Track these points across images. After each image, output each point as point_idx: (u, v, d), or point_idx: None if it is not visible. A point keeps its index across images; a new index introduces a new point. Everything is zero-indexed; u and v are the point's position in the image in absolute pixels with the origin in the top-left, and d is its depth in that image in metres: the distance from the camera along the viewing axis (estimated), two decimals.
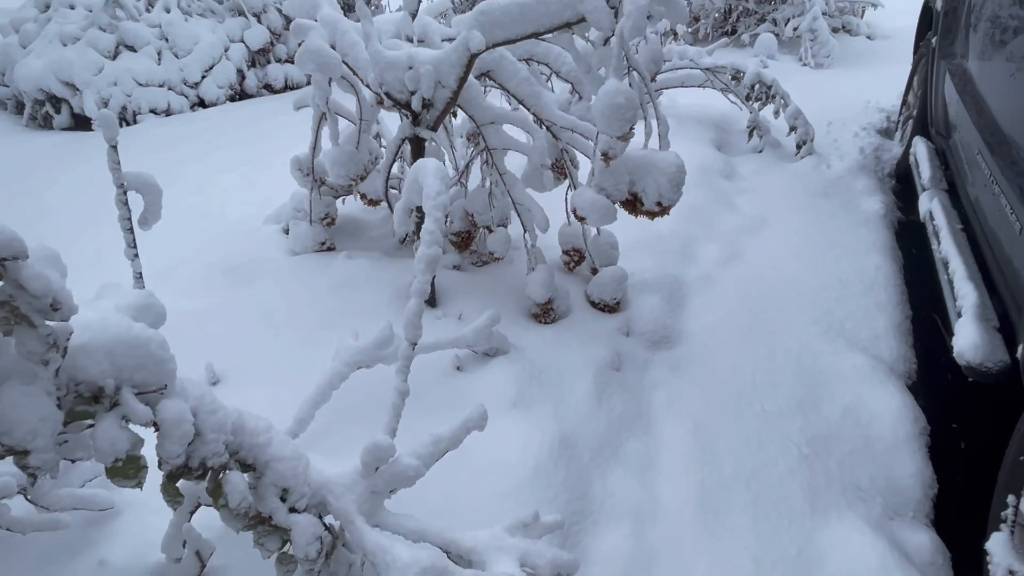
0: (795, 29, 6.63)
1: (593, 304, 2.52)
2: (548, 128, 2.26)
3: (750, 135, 4.38)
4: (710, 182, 3.72)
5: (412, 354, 1.40)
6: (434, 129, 1.99)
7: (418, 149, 2.07)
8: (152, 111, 5.91)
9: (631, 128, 1.67)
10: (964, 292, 2.01)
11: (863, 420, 2.03)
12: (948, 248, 2.30)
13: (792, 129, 4.15)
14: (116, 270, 2.19)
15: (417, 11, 2.06)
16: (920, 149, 3.17)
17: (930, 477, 1.90)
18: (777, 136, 4.37)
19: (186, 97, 6.11)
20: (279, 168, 3.24)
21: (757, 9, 7.43)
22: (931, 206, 2.68)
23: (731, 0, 7.33)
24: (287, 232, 2.92)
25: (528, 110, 2.25)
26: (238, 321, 2.35)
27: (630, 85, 1.91)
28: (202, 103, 6.24)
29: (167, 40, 6.06)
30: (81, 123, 5.86)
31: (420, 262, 1.31)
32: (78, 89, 5.67)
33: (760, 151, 4.31)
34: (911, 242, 3.23)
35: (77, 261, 1.53)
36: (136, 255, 1.89)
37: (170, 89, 6.02)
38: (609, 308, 2.50)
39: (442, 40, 2.16)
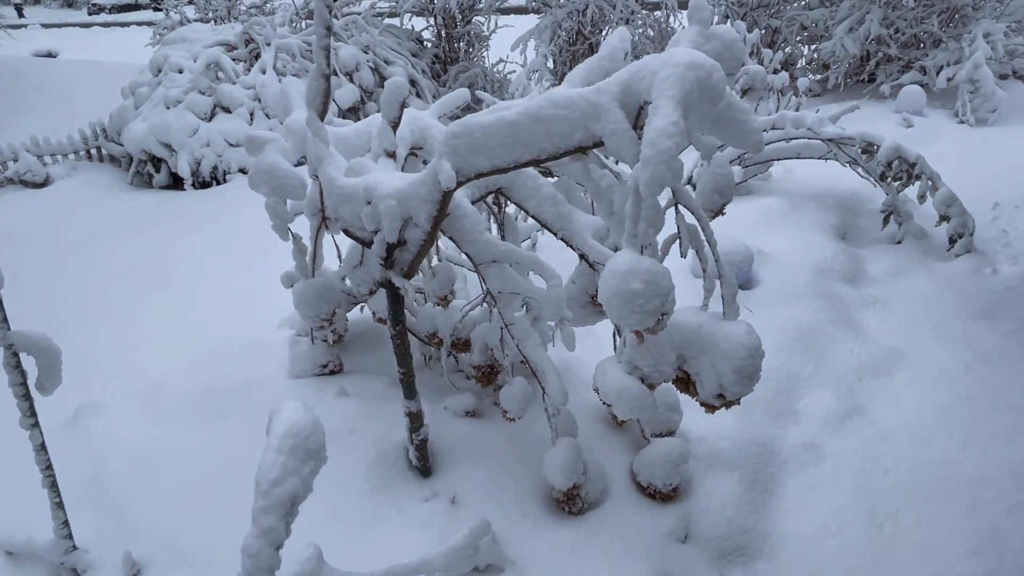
0: (950, 79, 5.55)
1: (640, 488, 1.87)
2: (582, 257, 1.68)
3: (885, 220, 3.51)
4: (827, 289, 2.94)
5: None
6: (409, 276, 1.47)
7: (395, 295, 1.57)
8: (241, 170, 5.94)
9: (661, 317, 1.06)
10: None
11: None
12: None
13: (943, 219, 3.25)
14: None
15: (399, 119, 1.58)
16: None
17: None
18: (921, 222, 3.46)
19: None
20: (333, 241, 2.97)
21: (901, 55, 6.39)
22: None
23: (869, 45, 6.35)
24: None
25: (555, 235, 1.69)
26: (192, 477, 1.94)
27: (678, 228, 1.30)
28: None
29: (259, 101, 6.11)
30: (177, 182, 6.01)
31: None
32: (174, 150, 5.82)
33: (899, 241, 3.43)
34: None
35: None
36: (35, 424, 1.51)
37: None
38: (662, 496, 1.84)
39: None
